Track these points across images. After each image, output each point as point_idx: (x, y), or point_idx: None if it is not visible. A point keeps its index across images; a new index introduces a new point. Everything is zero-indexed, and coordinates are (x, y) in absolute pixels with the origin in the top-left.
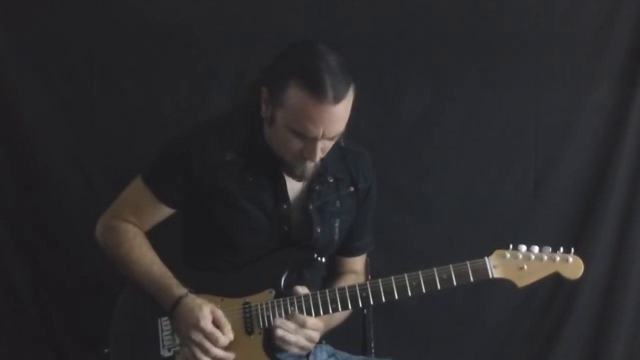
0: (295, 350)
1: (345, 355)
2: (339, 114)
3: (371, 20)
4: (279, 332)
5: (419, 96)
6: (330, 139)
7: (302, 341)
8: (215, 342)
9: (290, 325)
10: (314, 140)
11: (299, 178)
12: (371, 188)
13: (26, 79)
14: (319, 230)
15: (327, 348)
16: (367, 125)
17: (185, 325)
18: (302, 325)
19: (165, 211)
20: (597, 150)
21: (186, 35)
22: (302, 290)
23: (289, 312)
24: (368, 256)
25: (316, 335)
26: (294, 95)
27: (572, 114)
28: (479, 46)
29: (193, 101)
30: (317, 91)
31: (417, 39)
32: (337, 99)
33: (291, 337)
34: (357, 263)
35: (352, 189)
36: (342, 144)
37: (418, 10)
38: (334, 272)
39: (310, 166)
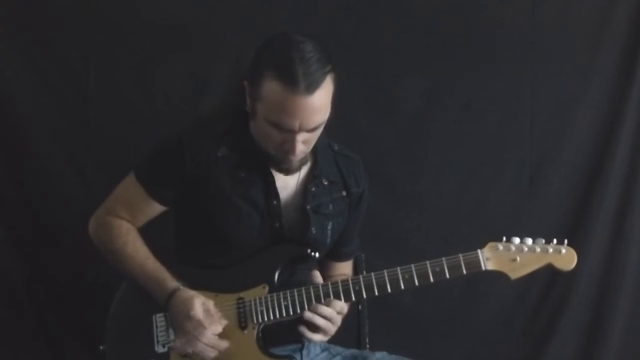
0: (318, 337)
1: (339, 349)
2: (314, 105)
3: (368, 17)
4: (318, 320)
5: (414, 92)
6: (310, 131)
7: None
8: (205, 329)
9: (328, 310)
10: (292, 133)
11: (286, 172)
12: (363, 194)
13: (22, 75)
14: (314, 231)
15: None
16: (363, 121)
17: (178, 316)
18: (340, 312)
19: (158, 208)
20: (592, 145)
21: (182, 33)
22: (317, 278)
23: (283, 307)
24: (363, 252)
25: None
26: (268, 87)
27: (567, 109)
28: (475, 42)
29: (188, 98)
30: (289, 82)
31: (413, 35)
32: (310, 89)
33: (321, 322)
34: (346, 268)
35: (344, 193)
36: (336, 147)
37: (415, 5)
38: (323, 275)
39: (295, 160)
